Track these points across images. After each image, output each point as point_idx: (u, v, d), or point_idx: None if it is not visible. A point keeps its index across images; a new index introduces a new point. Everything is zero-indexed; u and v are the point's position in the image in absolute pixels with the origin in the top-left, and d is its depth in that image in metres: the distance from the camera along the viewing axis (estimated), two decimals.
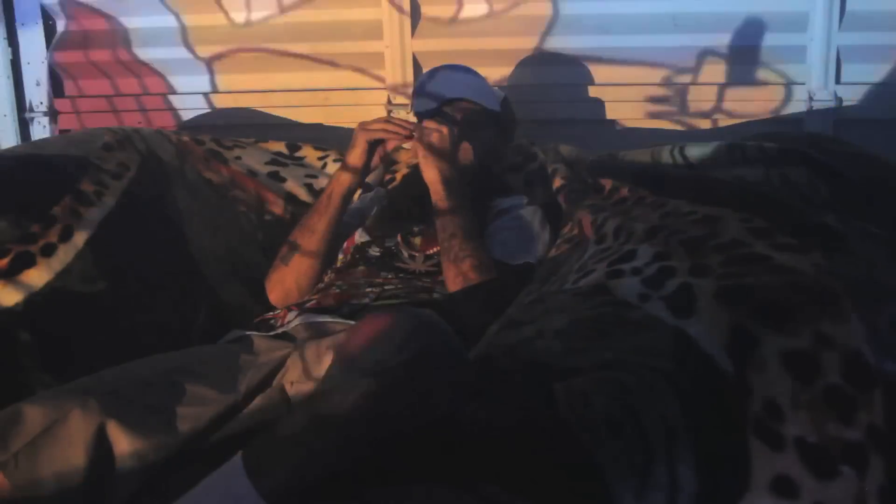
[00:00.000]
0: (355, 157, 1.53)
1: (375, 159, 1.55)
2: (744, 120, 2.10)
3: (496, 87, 1.90)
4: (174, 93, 2.29)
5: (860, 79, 2.08)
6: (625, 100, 2.15)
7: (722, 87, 2.11)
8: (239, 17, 2.22)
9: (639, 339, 0.99)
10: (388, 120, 1.54)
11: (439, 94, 1.73)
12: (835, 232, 1.10)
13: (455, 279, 1.39)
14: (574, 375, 0.95)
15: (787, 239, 1.07)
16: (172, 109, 2.29)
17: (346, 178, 1.54)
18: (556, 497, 0.85)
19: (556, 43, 2.13)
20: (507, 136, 1.82)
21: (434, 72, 1.77)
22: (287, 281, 1.55)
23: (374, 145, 1.53)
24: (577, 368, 0.96)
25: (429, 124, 1.49)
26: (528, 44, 2.14)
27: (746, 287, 1.00)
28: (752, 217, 1.14)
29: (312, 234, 1.55)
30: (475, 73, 1.74)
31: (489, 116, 1.70)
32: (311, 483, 0.89)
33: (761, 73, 2.10)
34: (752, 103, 2.10)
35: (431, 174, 1.46)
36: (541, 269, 1.42)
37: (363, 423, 0.89)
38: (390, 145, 1.55)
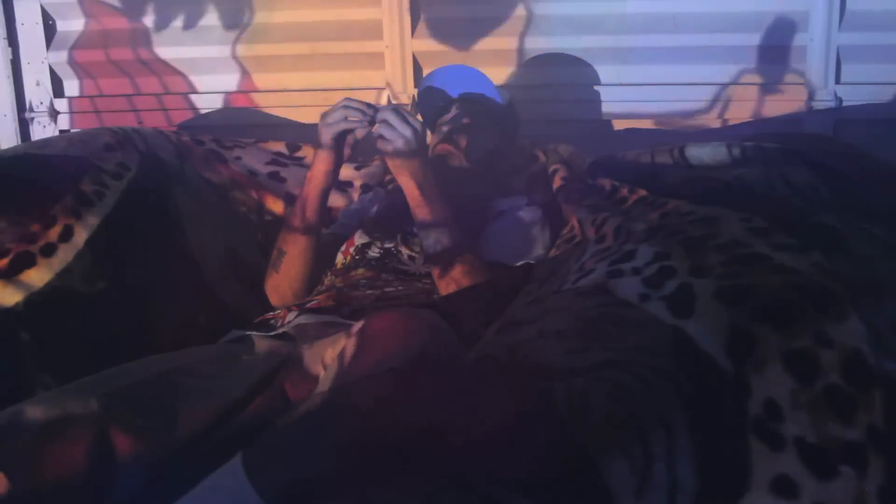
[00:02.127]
0: (323, 156, 1.45)
1: (347, 151, 1.47)
2: (744, 120, 2.10)
3: (502, 88, 1.90)
4: (171, 93, 2.30)
5: (860, 79, 2.08)
6: (627, 99, 2.15)
7: (722, 88, 2.11)
8: (237, 17, 2.23)
9: (639, 339, 0.99)
10: (346, 105, 1.40)
11: (444, 93, 1.72)
12: (835, 232, 1.10)
13: (447, 286, 1.39)
14: (574, 375, 0.95)
15: (787, 239, 1.07)
16: (170, 109, 2.29)
17: (318, 180, 1.47)
18: (556, 497, 0.85)
19: (555, 43, 2.13)
20: (512, 138, 1.81)
21: (439, 71, 1.77)
22: (281, 287, 1.55)
23: (340, 138, 1.43)
24: (577, 368, 0.96)
25: (387, 132, 1.36)
26: (528, 44, 2.14)
27: (746, 287, 1.00)
28: (751, 217, 1.14)
29: (296, 241, 1.51)
30: (480, 73, 1.74)
31: (494, 116, 1.70)
32: (311, 483, 0.89)
33: (761, 74, 2.10)
34: (752, 103, 2.10)
35: (403, 180, 1.39)
36: (540, 269, 1.42)
37: (363, 424, 0.89)
38: (360, 133, 1.41)
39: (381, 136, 1.36)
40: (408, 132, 1.36)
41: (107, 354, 1.21)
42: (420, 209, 1.40)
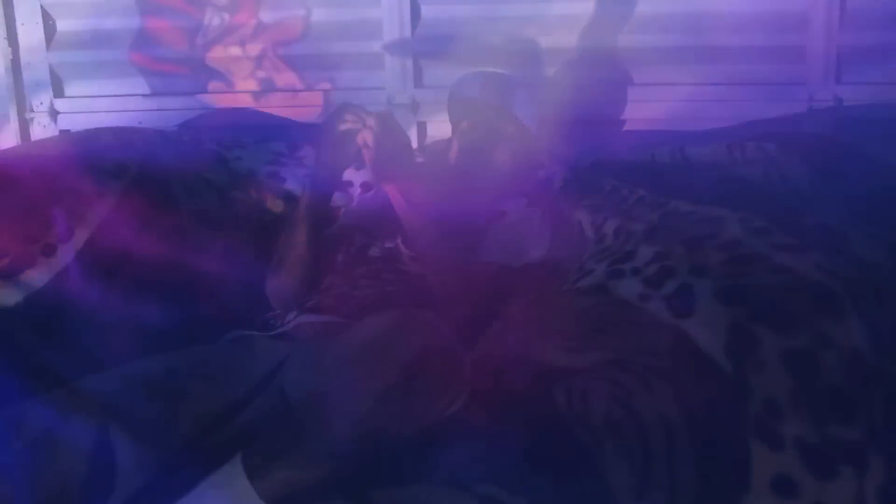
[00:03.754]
0: (327, 164, 1.45)
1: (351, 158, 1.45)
2: (744, 120, 2.10)
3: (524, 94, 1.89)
4: (175, 93, 2.30)
5: (860, 79, 2.07)
6: (627, 100, 2.15)
7: (722, 88, 2.11)
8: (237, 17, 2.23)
9: (639, 339, 0.99)
10: (341, 109, 1.41)
11: (468, 98, 1.72)
12: (835, 232, 1.11)
13: (442, 289, 1.39)
14: (574, 375, 0.95)
15: (787, 239, 1.07)
16: (171, 109, 2.29)
17: (323, 187, 1.48)
18: (556, 497, 0.85)
19: (555, 43, 2.13)
20: (524, 143, 1.81)
21: (464, 77, 1.77)
22: (282, 291, 1.55)
23: (343, 144, 1.40)
24: (577, 368, 0.96)
25: (371, 140, 1.35)
26: (527, 44, 2.14)
27: (746, 287, 1.00)
28: (752, 217, 1.14)
29: (298, 247, 1.51)
30: (507, 78, 1.74)
31: (509, 120, 1.70)
32: (311, 484, 0.89)
33: (761, 73, 2.10)
34: (752, 103, 2.10)
35: (386, 187, 1.41)
36: (540, 269, 1.42)
37: (363, 424, 0.89)
38: (361, 142, 1.38)
39: (365, 144, 1.36)
40: (390, 140, 1.36)
41: (107, 355, 1.21)
42: (404, 215, 1.40)
